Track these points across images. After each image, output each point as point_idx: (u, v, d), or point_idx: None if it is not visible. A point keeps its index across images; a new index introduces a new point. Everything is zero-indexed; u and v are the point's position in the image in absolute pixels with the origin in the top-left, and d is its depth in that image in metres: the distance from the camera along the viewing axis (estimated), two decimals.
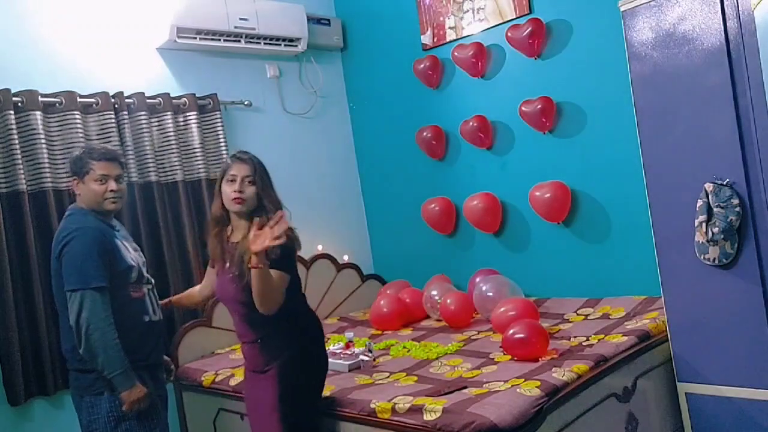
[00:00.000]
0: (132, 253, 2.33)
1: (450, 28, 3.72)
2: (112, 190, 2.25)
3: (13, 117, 2.82)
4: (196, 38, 3.43)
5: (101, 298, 2.12)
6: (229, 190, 2.12)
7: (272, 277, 2.00)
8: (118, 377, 2.12)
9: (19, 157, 2.82)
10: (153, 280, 2.42)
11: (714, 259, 2.32)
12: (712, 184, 2.29)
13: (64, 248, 2.16)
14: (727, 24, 2.23)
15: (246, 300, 2.07)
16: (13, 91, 2.85)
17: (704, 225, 2.30)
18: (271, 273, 1.99)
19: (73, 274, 2.13)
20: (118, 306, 2.18)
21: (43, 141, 2.90)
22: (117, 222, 2.43)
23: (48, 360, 2.83)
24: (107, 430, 2.19)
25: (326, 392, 2.42)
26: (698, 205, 2.32)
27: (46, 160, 2.91)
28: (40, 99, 2.92)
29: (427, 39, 3.84)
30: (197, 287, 2.60)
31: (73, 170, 2.27)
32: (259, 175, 2.14)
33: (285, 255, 2.05)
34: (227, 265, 2.17)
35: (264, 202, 2.13)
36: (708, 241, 2.30)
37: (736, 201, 2.25)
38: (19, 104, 2.87)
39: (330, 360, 2.83)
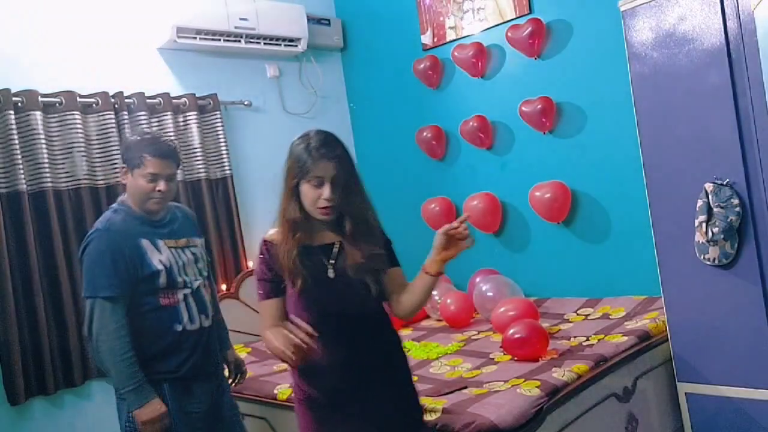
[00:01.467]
0: (165, 254, 2.07)
1: (450, 28, 3.72)
2: (159, 191, 2.04)
3: (13, 117, 2.82)
4: (196, 38, 3.43)
5: (111, 308, 1.95)
6: (313, 196, 1.64)
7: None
8: (128, 393, 1.95)
9: (19, 157, 2.82)
10: (197, 283, 2.13)
11: (714, 259, 2.32)
12: (712, 184, 2.29)
13: (84, 250, 2.03)
14: (727, 24, 2.23)
15: (375, 310, 1.77)
16: (13, 91, 2.85)
17: (704, 225, 2.30)
18: (398, 271, 1.79)
19: (86, 280, 2.00)
20: (142, 314, 2.01)
21: (42, 141, 2.90)
22: (173, 213, 2.19)
23: (48, 359, 2.82)
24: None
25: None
26: (698, 205, 2.32)
27: (46, 160, 2.91)
28: (40, 99, 2.92)
29: (427, 39, 3.84)
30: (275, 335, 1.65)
31: (125, 158, 2.09)
32: (349, 172, 1.68)
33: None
34: (329, 272, 1.69)
35: (352, 198, 1.69)
36: (708, 241, 2.30)
37: (736, 201, 2.25)
38: (19, 104, 2.87)
39: None
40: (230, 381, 2.33)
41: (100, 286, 1.95)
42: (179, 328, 2.04)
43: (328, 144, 1.66)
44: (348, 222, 1.69)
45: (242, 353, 2.98)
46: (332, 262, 1.70)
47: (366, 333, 1.74)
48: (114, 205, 2.13)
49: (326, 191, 1.62)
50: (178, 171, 2.16)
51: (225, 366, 2.33)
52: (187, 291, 2.09)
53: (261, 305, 1.74)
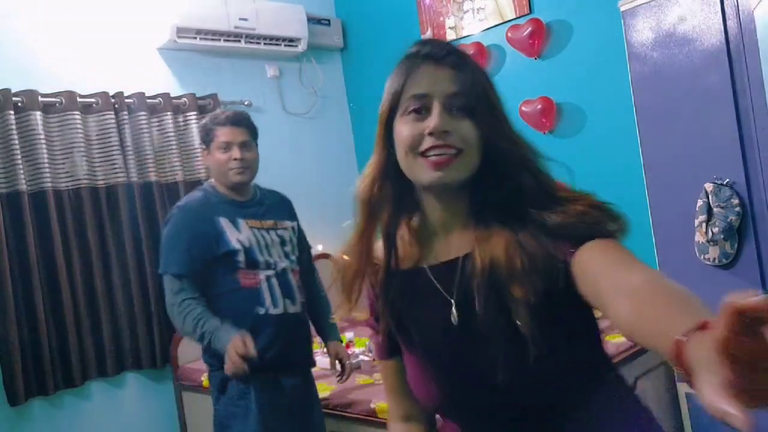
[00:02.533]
0: (245, 233, 1.98)
1: (450, 28, 3.72)
2: (236, 159, 1.98)
3: (13, 117, 2.82)
4: (196, 38, 3.43)
5: (179, 284, 1.95)
6: (413, 131, 0.89)
7: None
8: (212, 339, 1.87)
9: (19, 157, 2.82)
10: (282, 265, 2.03)
11: (714, 259, 2.32)
12: (712, 184, 2.29)
13: (164, 228, 2.06)
14: (727, 24, 2.23)
15: (551, 382, 0.87)
16: (13, 91, 2.85)
17: (704, 225, 2.30)
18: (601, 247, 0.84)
19: (161, 256, 2.03)
20: (222, 294, 1.96)
21: (42, 141, 2.90)
22: (260, 194, 2.12)
23: (48, 360, 2.82)
24: (214, 401, 2.03)
25: (326, 393, 2.42)
26: (698, 205, 2.32)
27: (46, 161, 2.91)
28: (40, 99, 2.92)
29: (426, 38, 3.84)
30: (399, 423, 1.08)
31: (201, 139, 2.10)
32: (483, 87, 0.91)
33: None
34: (451, 316, 0.91)
35: (501, 147, 0.89)
36: (708, 241, 2.30)
37: (736, 201, 2.25)
38: (19, 104, 2.87)
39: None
40: (337, 377, 2.20)
41: (169, 262, 1.98)
42: (261, 311, 1.95)
43: (439, 45, 0.93)
44: (490, 191, 0.90)
45: None
46: (456, 293, 0.91)
47: None
48: (199, 188, 2.15)
49: (434, 118, 0.86)
50: (254, 141, 2.07)
51: (329, 359, 2.20)
52: (270, 272, 1.99)
53: (379, 366, 1.17)
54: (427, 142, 0.87)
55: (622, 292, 0.72)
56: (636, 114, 2.49)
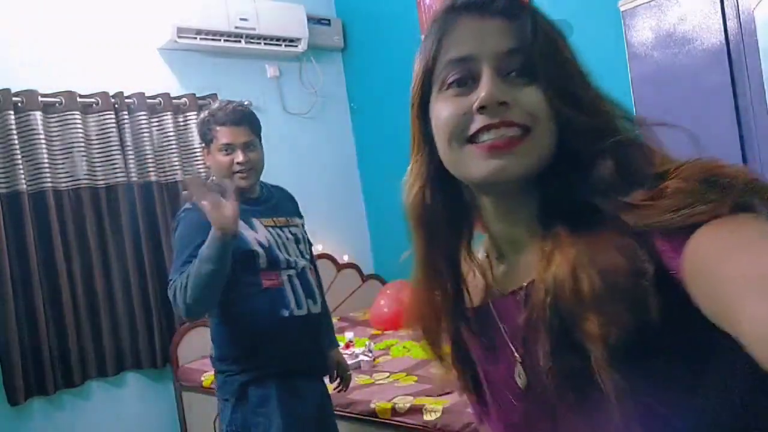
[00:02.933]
0: (262, 234, 1.86)
1: None
2: (239, 163, 1.83)
3: (12, 117, 2.82)
4: (196, 38, 3.43)
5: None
6: (457, 110, 0.64)
7: None
8: (212, 254, 1.64)
9: (19, 157, 2.82)
10: (302, 264, 1.91)
11: None
12: None
13: (174, 230, 1.88)
14: (727, 24, 2.23)
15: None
16: (13, 91, 2.85)
17: None
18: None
19: (174, 260, 1.83)
20: (245, 297, 1.80)
21: (42, 141, 2.90)
22: (267, 190, 1.99)
23: (47, 360, 2.83)
24: (231, 409, 1.83)
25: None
26: None
27: (46, 161, 2.91)
28: (40, 99, 2.92)
29: None
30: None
31: (200, 136, 1.93)
32: (549, 39, 0.66)
33: None
34: (517, 375, 0.67)
35: (581, 120, 0.62)
36: None
37: None
38: (19, 104, 2.87)
39: None
40: (335, 387, 2.08)
41: (180, 264, 1.78)
42: (285, 313, 1.82)
43: None
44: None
45: None
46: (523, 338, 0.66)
47: None
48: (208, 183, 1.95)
49: (483, 86, 0.62)
50: (257, 139, 1.91)
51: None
52: (292, 272, 1.88)
53: None
54: (478, 122, 0.62)
55: (755, 286, 0.46)
56: (636, 113, 2.48)
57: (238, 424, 1.80)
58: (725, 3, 2.22)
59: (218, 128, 1.84)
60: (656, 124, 0.65)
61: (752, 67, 2.17)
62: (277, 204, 1.98)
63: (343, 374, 2.07)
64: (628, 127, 0.64)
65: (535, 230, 0.65)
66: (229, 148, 1.83)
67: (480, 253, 0.73)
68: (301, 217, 2.05)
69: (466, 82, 0.64)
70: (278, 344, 1.79)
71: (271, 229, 1.89)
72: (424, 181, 0.70)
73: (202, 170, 3.41)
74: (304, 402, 1.84)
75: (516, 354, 0.66)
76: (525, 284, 0.65)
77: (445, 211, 0.70)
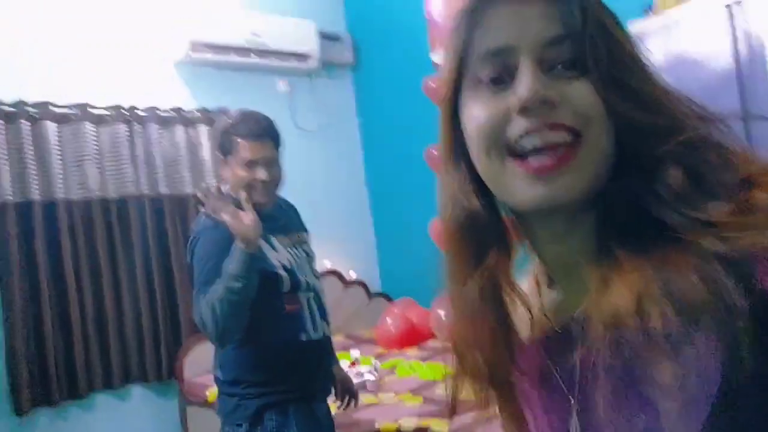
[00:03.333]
0: (282, 253, 1.77)
1: None
2: (262, 180, 1.72)
3: (27, 127, 2.86)
4: (209, 52, 3.46)
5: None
6: (493, 111, 0.53)
7: None
8: (237, 277, 1.58)
9: (33, 166, 2.85)
10: (317, 284, 1.86)
11: None
12: None
13: (190, 247, 1.75)
14: (738, 49, 2.23)
15: None
16: (28, 102, 2.89)
17: None
18: None
19: (196, 277, 1.70)
20: (263, 321, 1.69)
21: (56, 151, 2.94)
22: (279, 205, 1.88)
23: (53, 370, 2.83)
24: None
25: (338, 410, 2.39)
26: None
27: (59, 171, 2.94)
28: (54, 110, 2.96)
29: (437, 57, 3.86)
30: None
31: (219, 146, 1.80)
32: (599, 23, 0.54)
33: None
34: (571, 425, 0.56)
35: (644, 120, 0.51)
36: None
37: None
38: (34, 115, 2.90)
39: None
40: (340, 404, 1.98)
41: (203, 283, 1.65)
42: (304, 337, 1.74)
43: None
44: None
45: None
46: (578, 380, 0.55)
47: None
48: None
49: (523, 82, 0.51)
50: (279, 153, 1.81)
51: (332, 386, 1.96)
52: (310, 294, 1.80)
53: None
54: (518, 125, 0.51)
55: None
56: None
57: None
58: (736, 28, 2.23)
59: (240, 141, 1.72)
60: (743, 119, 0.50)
61: (763, 93, 2.17)
62: (287, 219, 1.90)
63: (349, 390, 1.99)
64: (701, 126, 0.53)
65: (594, 252, 0.53)
66: (251, 164, 1.72)
67: (524, 282, 0.62)
68: (306, 230, 1.97)
69: (504, 78, 0.53)
70: (297, 369, 1.73)
71: (290, 249, 1.81)
72: (459, 199, 0.58)
73: (212, 184, 3.43)
74: (319, 425, 1.79)
75: (572, 401, 0.55)
76: (577, 316, 0.54)
77: (485, 233, 0.57)
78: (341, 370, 2.03)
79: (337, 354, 3.16)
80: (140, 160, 3.21)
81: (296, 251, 1.82)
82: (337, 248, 4.04)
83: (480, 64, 0.54)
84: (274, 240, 1.77)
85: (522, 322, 0.59)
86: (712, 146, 0.52)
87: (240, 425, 1.72)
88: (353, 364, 2.87)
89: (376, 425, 2.22)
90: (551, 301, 0.60)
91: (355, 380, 2.71)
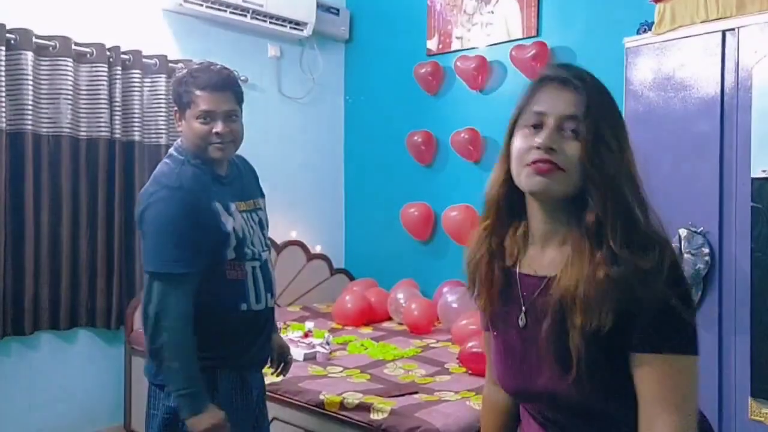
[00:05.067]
0: (237, 220, 1.69)
1: (457, 37, 3.73)
2: (217, 133, 1.64)
3: (3, 54, 2.76)
4: (202, 5, 3.39)
5: (180, 288, 1.58)
6: (525, 145, 0.97)
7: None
8: (183, 398, 1.58)
9: (3, 94, 2.76)
10: (267, 254, 1.79)
11: None
12: (686, 230, 2.32)
13: (145, 212, 1.63)
14: (725, 76, 2.27)
15: (587, 405, 0.97)
16: (7, 27, 2.79)
17: None
18: (673, 362, 0.91)
19: (150, 252, 1.62)
20: (204, 290, 1.63)
21: (30, 82, 2.85)
22: (234, 166, 1.79)
23: (0, 305, 2.77)
24: (164, 397, 1.66)
25: (277, 378, 2.39)
26: None
27: (30, 103, 2.85)
28: (34, 40, 2.87)
29: (432, 44, 3.85)
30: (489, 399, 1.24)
31: (174, 97, 1.71)
32: (598, 116, 0.95)
33: (689, 301, 0.93)
34: (520, 318, 1.03)
35: (594, 177, 0.93)
36: None
37: (706, 250, 2.28)
38: (12, 41, 2.81)
39: None
40: (274, 371, 1.95)
41: (167, 261, 1.58)
42: (244, 307, 1.69)
43: (566, 68, 0.99)
44: (591, 212, 0.93)
45: None
46: (532, 303, 1.01)
47: None
48: (175, 154, 1.70)
49: (544, 134, 0.94)
50: (239, 109, 1.71)
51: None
52: (256, 264, 1.73)
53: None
54: (533, 154, 0.94)
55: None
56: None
57: (173, 414, 1.63)
58: (726, 56, 2.26)
59: (198, 93, 1.63)
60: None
61: (742, 122, 2.21)
62: (244, 181, 1.81)
63: (284, 359, 1.95)
64: (639, 201, 0.97)
65: (564, 236, 0.98)
66: (208, 116, 1.64)
67: (519, 236, 1.05)
68: (263, 195, 1.89)
69: (537, 127, 0.96)
70: (232, 338, 1.68)
71: (243, 214, 1.73)
72: (502, 181, 1.02)
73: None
74: (249, 395, 1.75)
75: (523, 306, 1.02)
76: (548, 277, 0.98)
77: (509, 202, 1.03)
78: (280, 338, 1.99)
79: (292, 324, 3.19)
80: (117, 103, 3.14)
81: (249, 217, 1.75)
82: (306, 220, 4.03)
83: (529, 115, 0.98)
84: (232, 206, 1.70)
85: (509, 254, 1.05)
86: (628, 210, 0.95)
87: (162, 388, 1.66)
88: (306, 335, 2.87)
89: (321, 397, 2.22)
90: (528, 253, 1.04)
91: (306, 351, 2.72)
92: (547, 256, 1.00)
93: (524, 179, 0.96)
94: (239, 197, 1.73)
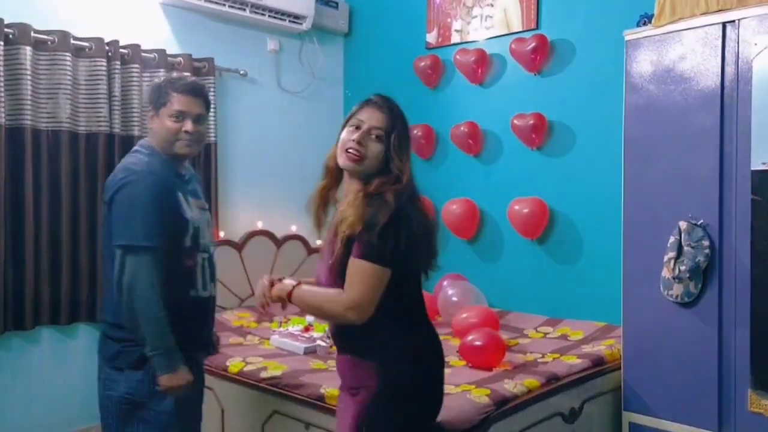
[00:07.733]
0: (194, 212, 1.93)
1: (456, 30, 3.72)
2: (187, 131, 1.88)
3: (1, 48, 2.76)
4: None
5: (149, 260, 1.77)
6: (346, 138, 1.57)
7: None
8: (159, 357, 1.77)
9: (2, 89, 2.76)
10: (213, 248, 2.04)
11: (677, 296, 2.36)
12: (686, 223, 2.32)
13: (116, 194, 1.82)
14: (725, 69, 2.26)
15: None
16: (5, 22, 2.78)
17: (672, 261, 2.33)
18: (359, 264, 1.50)
19: (121, 227, 1.80)
20: (166, 275, 1.82)
21: (29, 77, 2.84)
22: (190, 169, 2.07)
23: (1, 301, 2.78)
24: (120, 413, 1.85)
25: (277, 371, 2.41)
26: (670, 241, 2.35)
27: (29, 97, 2.85)
28: (33, 34, 2.86)
29: (431, 38, 3.84)
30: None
31: (150, 99, 1.94)
32: (397, 132, 1.58)
33: (385, 238, 1.49)
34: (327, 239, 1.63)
35: (390, 166, 1.56)
36: (674, 278, 2.34)
37: (706, 243, 2.29)
38: (10, 36, 2.80)
39: (287, 341, 2.83)
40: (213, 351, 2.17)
41: (139, 234, 1.77)
42: (193, 293, 1.91)
43: (383, 99, 1.66)
44: None
45: None
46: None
47: None
48: (141, 149, 1.93)
49: (359, 134, 1.58)
50: (207, 115, 1.99)
51: None
52: (205, 255, 1.96)
53: None
54: (349, 145, 1.57)
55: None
56: (624, 143, 2.51)
57: (133, 393, 1.82)
58: (726, 49, 2.26)
59: (174, 95, 1.88)
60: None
61: (742, 115, 2.21)
62: (195, 186, 2.05)
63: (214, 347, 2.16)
64: (405, 179, 1.58)
65: (354, 193, 1.56)
66: (180, 116, 1.88)
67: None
68: (208, 202, 2.14)
69: (358, 128, 1.58)
70: (184, 322, 1.85)
71: (197, 210, 1.97)
72: (333, 153, 1.63)
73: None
74: (200, 374, 1.99)
75: (326, 249, 1.62)
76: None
77: (337, 167, 1.63)
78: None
79: (293, 318, 3.19)
80: (116, 98, 3.13)
81: (201, 213, 1.98)
82: (306, 214, 4.01)
83: (353, 120, 1.61)
84: (191, 199, 1.94)
85: (334, 203, 1.69)
86: (389, 181, 1.57)
87: (121, 370, 1.83)
88: (307, 329, 2.87)
89: (322, 390, 2.23)
90: (340, 209, 1.60)
91: (307, 344, 2.73)
92: (346, 202, 1.58)
93: (341, 160, 1.58)
94: (194, 195, 1.98)
